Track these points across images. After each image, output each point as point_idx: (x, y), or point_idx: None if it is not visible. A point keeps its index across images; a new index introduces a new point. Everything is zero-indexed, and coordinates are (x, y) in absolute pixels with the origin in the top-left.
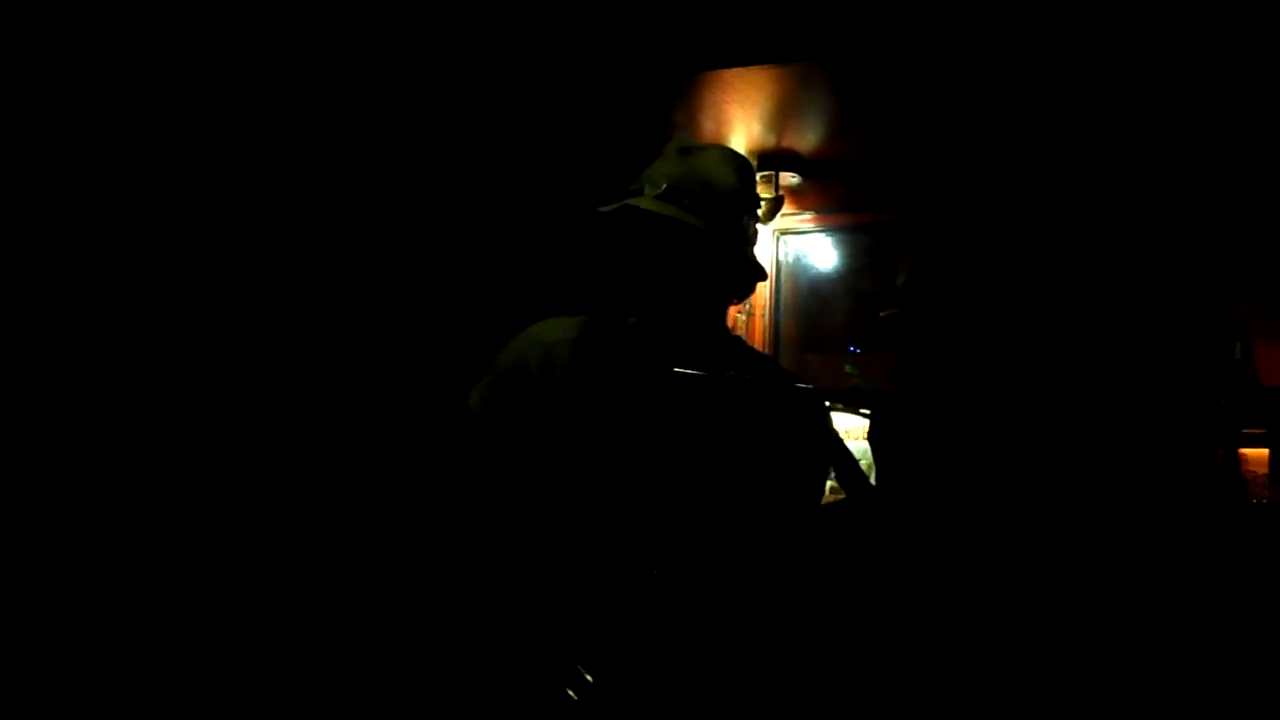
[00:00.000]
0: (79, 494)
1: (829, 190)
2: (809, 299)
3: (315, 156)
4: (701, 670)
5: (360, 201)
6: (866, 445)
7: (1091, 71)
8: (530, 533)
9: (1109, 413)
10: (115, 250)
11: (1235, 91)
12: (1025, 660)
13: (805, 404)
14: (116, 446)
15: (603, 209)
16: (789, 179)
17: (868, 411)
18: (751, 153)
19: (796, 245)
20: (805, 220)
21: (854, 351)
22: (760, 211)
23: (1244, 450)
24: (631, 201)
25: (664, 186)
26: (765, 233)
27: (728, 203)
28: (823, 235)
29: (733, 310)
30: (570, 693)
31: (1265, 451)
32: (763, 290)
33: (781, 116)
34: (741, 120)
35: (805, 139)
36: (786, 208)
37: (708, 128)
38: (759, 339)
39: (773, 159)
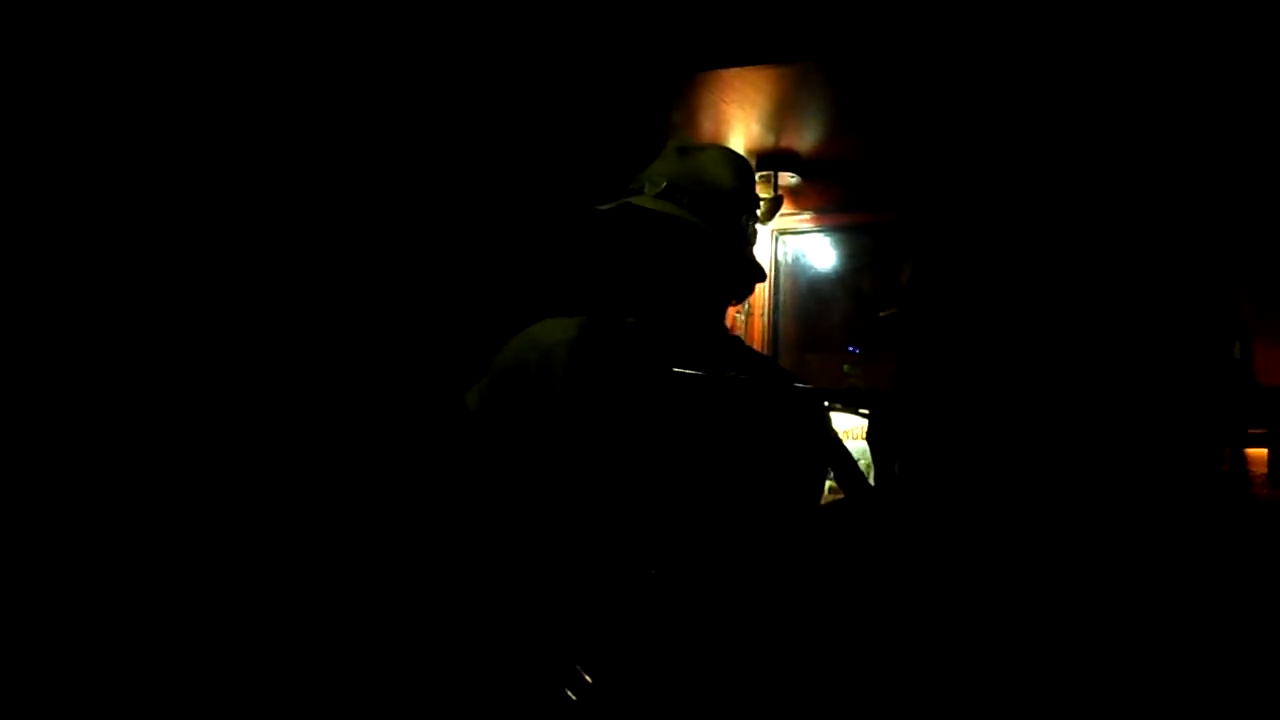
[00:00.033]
0: (79, 494)
1: (827, 190)
2: (808, 299)
3: (314, 156)
4: (700, 670)
5: (358, 201)
6: (865, 445)
7: (1091, 71)
8: (529, 533)
9: (1111, 412)
10: (115, 250)
11: (1235, 92)
12: (1025, 658)
13: (804, 404)
14: (115, 446)
15: (602, 207)
16: (788, 179)
17: (866, 411)
18: (750, 153)
19: (795, 245)
20: (804, 220)
21: (853, 351)
22: (759, 212)
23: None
24: (631, 200)
25: (663, 185)
26: (764, 233)
27: (727, 202)
28: (821, 235)
29: (731, 310)
30: (569, 693)
31: (1264, 451)
32: (761, 290)
33: (780, 116)
34: (740, 120)
35: (804, 139)
36: (785, 208)
37: (706, 128)
38: (758, 339)
39: (771, 159)
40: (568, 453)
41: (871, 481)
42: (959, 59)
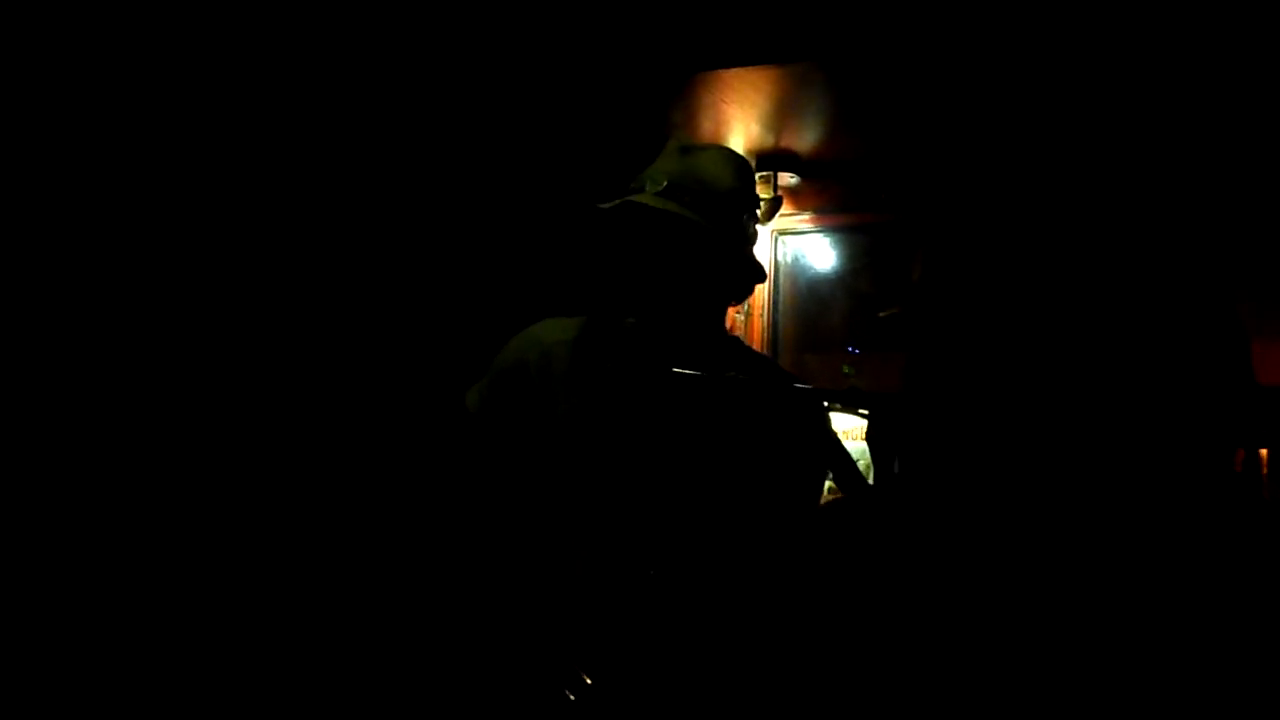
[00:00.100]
0: (78, 494)
1: (827, 190)
2: (807, 299)
3: (314, 156)
4: (699, 671)
5: (359, 201)
6: (865, 445)
7: (1091, 71)
8: (528, 533)
9: (1115, 412)
10: (115, 250)
11: (1235, 92)
12: (1027, 659)
13: (803, 404)
14: (116, 446)
15: (603, 205)
16: (787, 179)
17: (866, 412)
18: (750, 153)
19: (795, 245)
20: (804, 220)
21: (852, 352)
22: (759, 212)
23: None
24: (632, 198)
25: (664, 184)
26: (764, 233)
27: (728, 202)
28: (821, 235)
29: (731, 310)
30: (568, 694)
31: (1264, 452)
32: (761, 290)
33: (780, 117)
34: (740, 120)
35: (804, 139)
36: (785, 208)
37: (706, 128)
38: (757, 339)
39: (771, 159)
40: (568, 453)
41: (871, 481)
42: (959, 59)
